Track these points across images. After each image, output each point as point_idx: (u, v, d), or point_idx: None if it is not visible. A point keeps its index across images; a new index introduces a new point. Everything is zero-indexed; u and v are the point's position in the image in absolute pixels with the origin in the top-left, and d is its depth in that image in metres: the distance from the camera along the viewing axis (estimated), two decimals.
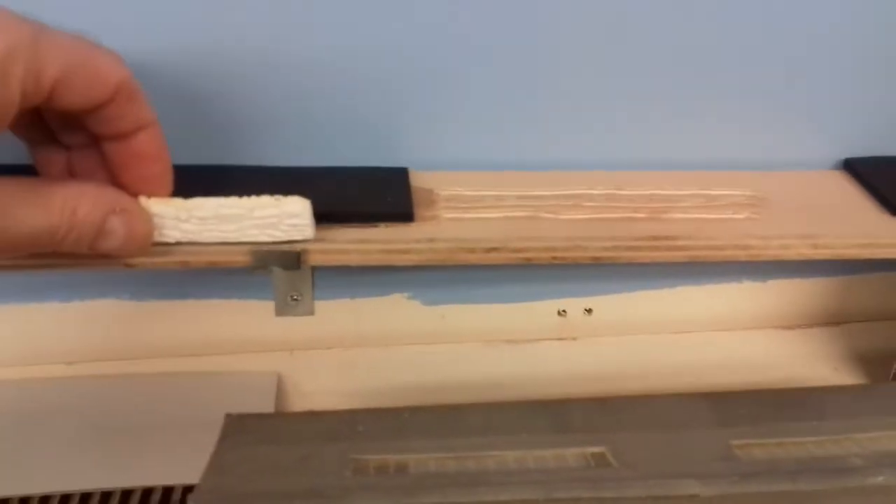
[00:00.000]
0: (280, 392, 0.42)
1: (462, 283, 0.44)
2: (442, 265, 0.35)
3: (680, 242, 0.36)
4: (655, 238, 0.36)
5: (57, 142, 0.30)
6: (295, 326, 0.44)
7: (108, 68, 0.26)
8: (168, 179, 0.31)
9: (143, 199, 0.30)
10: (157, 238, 0.31)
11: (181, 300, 0.42)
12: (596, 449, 0.32)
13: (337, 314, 0.44)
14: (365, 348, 0.45)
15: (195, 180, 0.31)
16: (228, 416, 0.33)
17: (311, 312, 0.43)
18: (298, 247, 0.33)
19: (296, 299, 0.43)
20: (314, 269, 0.42)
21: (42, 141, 0.30)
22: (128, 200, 0.29)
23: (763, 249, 0.36)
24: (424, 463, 0.31)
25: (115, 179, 0.30)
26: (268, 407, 0.40)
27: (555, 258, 0.35)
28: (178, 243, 0.32)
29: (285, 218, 0.32)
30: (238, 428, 0.32)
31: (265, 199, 0.31)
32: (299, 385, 0.43)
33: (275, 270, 0.41)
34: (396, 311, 0.44)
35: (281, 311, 0.43)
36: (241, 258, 0.33)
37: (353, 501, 0.29)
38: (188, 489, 0.35)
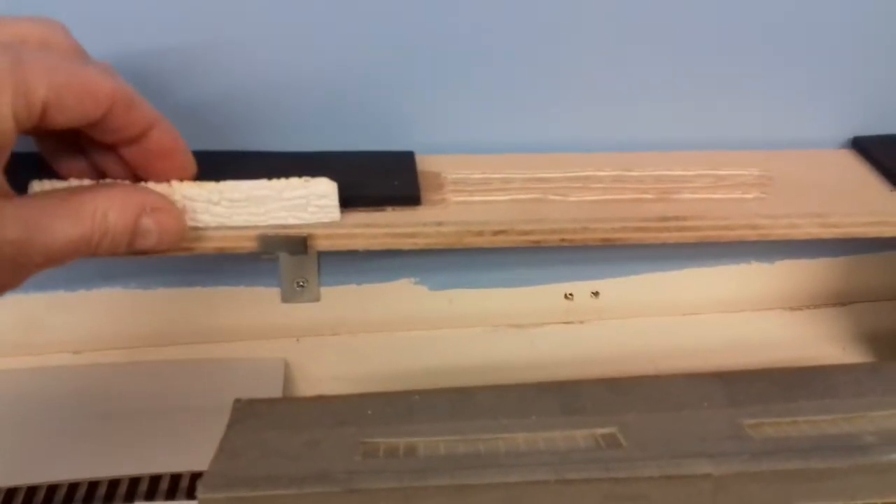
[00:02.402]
0: (287, 378, 0.42)
1: (468, 267, 0.44)
2: (448, 249, 0.35)
3: (689, 223, 0.35)
4: (664, 219, 0.35)
5: (73, 148, 0.30)
6: (301, 313, 0.43)
7: (97, 83, 0.26)
8: (190, 165, 0.31)
9: (175, 183, 0.30)
10: (190, 223, 0.31)
11: (187, 288, 0.42)
12: (606, 430, 0.32)
13: (343, 300, 0.43)
14: (371, 334, 0.45)
15: (201, 165, 0.31)
16: (237, 402, 0.33)
17: (318, 299, 0.43)
18: (305, 231, 0.33)
19: (302, 286, 0.42)
20: (320, 255, 0.42)
21: (59, 150, 0.30)
22: (158, 199, 0.29)
23: (772, 229, 0.36)
24: (434, 445, 0.31)
25: (139, 177, 0.30)
26: (276, 393, 0.40)
27: (563, 240, 0.35)
28: (208, 228, 0.32)
29: (313, 199, 0.32)
30: (247, 413, 0.32)
31: (294, 181, 0.32)
32: (307, 371, 0.43)
33: (281, 256, 0.41)
34: (403, 296, 0.44)
35: (287, 297, 0.43)
36: (248, 244, 0.33)
37: (363, 484, 0.29)
38: (196, 476, 0.35)
